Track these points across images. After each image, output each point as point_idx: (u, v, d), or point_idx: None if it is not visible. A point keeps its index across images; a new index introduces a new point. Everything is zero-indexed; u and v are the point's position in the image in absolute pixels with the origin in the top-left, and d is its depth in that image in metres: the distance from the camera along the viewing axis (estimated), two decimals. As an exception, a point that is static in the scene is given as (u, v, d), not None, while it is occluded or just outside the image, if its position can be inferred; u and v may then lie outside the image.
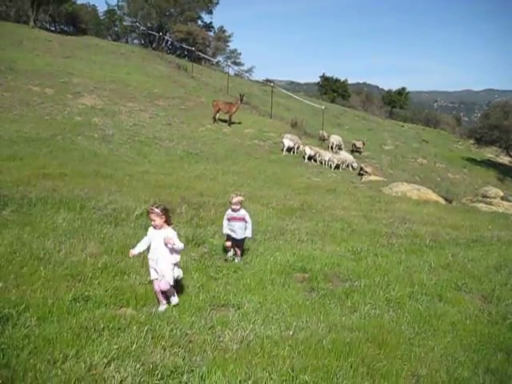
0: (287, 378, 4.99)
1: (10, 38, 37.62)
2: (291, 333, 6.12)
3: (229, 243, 8.99)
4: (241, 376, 4.84)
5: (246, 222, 8.93)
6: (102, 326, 5.67)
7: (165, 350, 5.26)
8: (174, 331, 5.79)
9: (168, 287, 6.54)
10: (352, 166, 27.29)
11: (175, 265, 6.69)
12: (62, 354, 4.90)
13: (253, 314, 6.63)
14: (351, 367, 5.38)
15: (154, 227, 6.55)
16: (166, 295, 6.66)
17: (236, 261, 8.92)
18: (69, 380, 4.41)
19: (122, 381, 4.56)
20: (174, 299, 6.71)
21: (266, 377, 4.92)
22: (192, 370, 4.92)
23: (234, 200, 8.79)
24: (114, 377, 4.60)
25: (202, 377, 4.78)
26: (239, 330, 6.07)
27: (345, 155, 27.69)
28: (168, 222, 6.61)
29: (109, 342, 5.26)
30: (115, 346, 5.12)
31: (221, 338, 5.80)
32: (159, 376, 4.74)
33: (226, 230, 8.98)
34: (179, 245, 6.56)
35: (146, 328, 5.72)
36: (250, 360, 5.25)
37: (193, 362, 5.09)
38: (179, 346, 5.42)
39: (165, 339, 5.54)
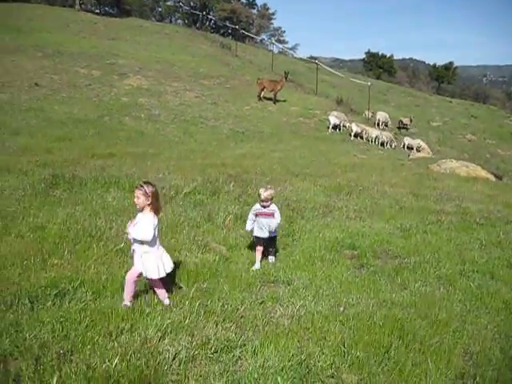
0: (339, 352, 4.99)
1: (57, 21, 38.18)
2: (342, 309, 6.11)
3: (260, 249, 7.73)
4: (293, 350, 4.86)
5: (274, 218, 7.74)
6: (155, 301, 5.78)
7: (217, 325, 5.31)
8: (226, 306, 5.85)
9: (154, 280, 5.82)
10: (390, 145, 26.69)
11: (154, 255, 5.75)
12: (118, 328, 5.01)
13: (303, 290, 6.65)
14: (403, 343, 5.34)
15: (136, 205, 5.76)
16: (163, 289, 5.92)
17: (270, 261, 7.85)
18: (125, 352, 4.51)
19: (176, 354, 4.64)
20: (166, 300, 5.87)
21: (317, 351, 4.93)
22: (244, 345, 4.96)
23: (265, 194, 7.66)
24: (168, 350, 4.68)
25: (254, 351, 4.82)
26: (290, 305, 6.09)
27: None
28: (154, 208, 5.70)
29: (162, 316, 5.35)
30: (168, 321, 5.20)
31: (272, 314, 5.84)
32: (212, 350, 4.79)
33: (250, 227, 7.88)
34: (135, 234, 5.69)
35: (198, 303, 5.79)
36: (302, 335, 5.27)
37: (245, 337, 5.14)
38: (231, 321, 5.47)
39: (216, 314, 5.60)
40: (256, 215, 7.74)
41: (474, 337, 5.74)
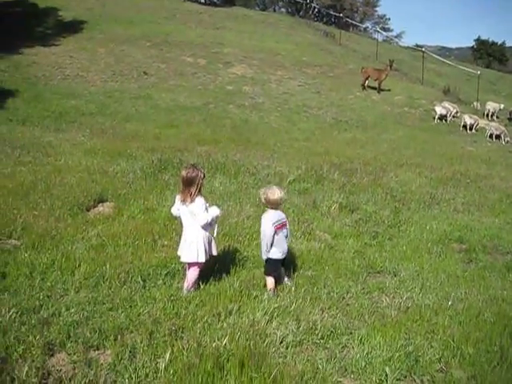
0: (448, 347, 4.86)
1: (164, 12, 39.20)
2: (450, 303, 5.95)
3: (273, 281, 5.85)
4: (400, 341, 4.78)
5: (287, 227, 6.08)
6: (261, 284, 5.86)
7: (323, 312, 5.33)
8: (331, 294, 5.87)
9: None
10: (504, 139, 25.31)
11: None
12: (226, 309, 5.13)
13: (409, 282, 6.55)
14: (516, 342, 5.13)
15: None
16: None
17: (289, 283, 6.07)
18: (233, 333, 4.60)
19: (283, 337, 4.69)
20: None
21: (426, 344, 4.83)
22: (351, 333, 4.95)
23: (276, 196, 5.81)
24: (275, 333, 4.74)
25: (361, 339, 4.79)
26: (396, 296, 6.02)
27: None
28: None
29: (269, 300, 5.42)
30: (275, 305, 5.27)
31: (378, 304, 5.79)
32: (319, 336, 4.81)
33: (267, 253, 5.88)
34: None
35: (304, 289, 5.83)
36: (409, 327, 5.18)
37: (351, 325, 5.12)
38: (337, 309, 5.46)
39: (322, 301, 5.61)
40: (277, 229, 5.83)
41: None
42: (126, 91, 21.07)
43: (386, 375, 4.30)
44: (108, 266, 5.97)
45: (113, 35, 29.21)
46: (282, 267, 6.08)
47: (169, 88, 22.68)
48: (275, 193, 5.80)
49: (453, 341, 4.98)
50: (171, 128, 16.76)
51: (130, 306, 5.11)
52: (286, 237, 6.01)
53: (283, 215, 6.01)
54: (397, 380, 4.31)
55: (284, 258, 6.01)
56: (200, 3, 51.68)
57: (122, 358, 4.23)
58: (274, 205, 5.86)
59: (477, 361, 4.68)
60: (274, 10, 66.59)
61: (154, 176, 10.38)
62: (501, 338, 5.13)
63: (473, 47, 76.28)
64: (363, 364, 4.41)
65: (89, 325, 4.69)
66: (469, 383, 4.38)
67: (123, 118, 17.38)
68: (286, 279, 6.09)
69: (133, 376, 4.02)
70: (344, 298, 5.83)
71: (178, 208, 5.74)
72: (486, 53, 71.89)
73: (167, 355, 4.21)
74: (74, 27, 29.05)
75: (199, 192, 5.61)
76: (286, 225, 5.99)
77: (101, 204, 8.43)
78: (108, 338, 4.50)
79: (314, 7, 60.98)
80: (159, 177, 10.42)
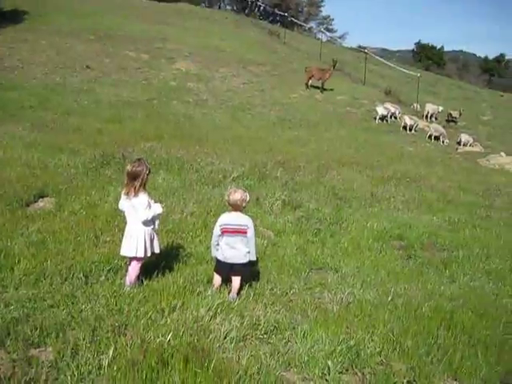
0: (388, 340, 5.01)
1: (109, 5, 38.60)
2: (390, 298, 6.12)
3: (218, 278, 5.81)
4: (342, 336, 4.88)
5: (247, 236, 5.71)
6: (205, 281, 5.87)
7: (266, 307, 5.38)
8: (274, 290, 5.93)
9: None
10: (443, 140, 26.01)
11: None
12: (170, 305, 5.11)
13: (351, 278, 6.69)
14: (452, 335, 5.32)
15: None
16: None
17: (230, 299, 5.53)
18: (177, 329, 4.60)
19: (227, 333, 4.71)
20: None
21: (367, 338, 4.95)
22: (294, 328, 5.02)
23: (235, 197, 5.66)
24: (219, 329, 4.75)
25: (304, 334, 4.86)
26: (338, 292, 6.13)
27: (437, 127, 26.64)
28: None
29: (212, 296, 5.43)
30: (218, 301, 5.28)
31: (320, 299, 5.89)
32: (263, 331, 4.86)
33: (216, 252, 5.82)
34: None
35: (247, 286, 5.87)
36: (351, 321, 5.30)
37: (294, 320, 5.20)
38: (280, 304, 5.53)
39: (266, 297, 5.68)
40: (223, 232, 5.68)
41: (525, 333, 5.67)
42: (68, 85, 20.60)
43: (329, 368, 4.38)
44: (49, 262, 5.85)
45: (55, 27, 28.53)
46: (236, 277, 5.70)
47: (112, 82, 22.33)
48: (234, 193, 5.67)
49: (392, 334, 5.12)
50: (114, 123, 16.50)
51: (72, 303, 5.01)
52: (241, 246, 5.66)
53: (242, 221, 5.67)
54: (339, 373, 4.40)
55: (235, 266, 5.67)
56: (145, -2, 51.08)
57: (63, 355, 4.15)
58: (233, 206, 5.69)
59: (415, 353, 4.85)
60: (220, 8, 66.47)
61: (96, 171, 10.22)
62: (437, 331, 5.32)
63: (413, 50, 78.22)
64: (306, 358, 4.48)
65: (29, 322, 4.57)
66: (408, 375, 4.51)
67: (65, 111, 16.97)
68: (230, 295, 5.62)
69: (75, 373, 3.96)
70: (287, 293, 5.90)
71: (122, 201, 5.68)
72: (425, 56, 73.80)
73: (110, 352, 4.17)
74: (14, 17, 28.24)
75: (143, 187, 5.57)
76: (242, 232, 5.65)
77: (41, 199, 8.23)
78: (49, 336, 4.40)
79: (260, 5, 61.23)
80: (101, 172, 10.26)
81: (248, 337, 4.76)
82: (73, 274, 5.67)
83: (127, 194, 5.56)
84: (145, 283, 5.61)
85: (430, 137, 24.92)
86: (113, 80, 22.70)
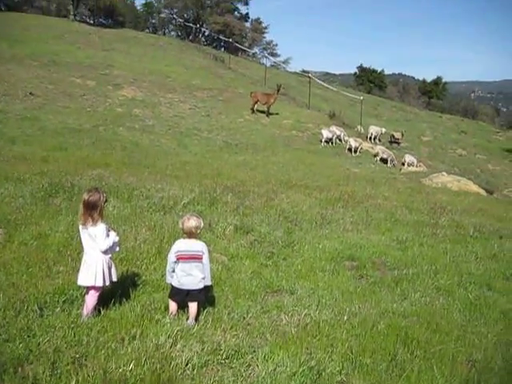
0: (347, 359, 5.11)
1: (52, 31, 38.30)
2: (346, 317, 6.23)
3: (174, 305, 5.80)
4: (303, 357, 4.95)
5: (203, 262, 5.77)
6: (162, 308, 5.85)
7: (225, 332, 5.40)
8: (232, 314, 5.96)
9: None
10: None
11: None
12: (129, 334, 5.09)
13: (306, 300, 6.77)
14: (408, 351, 5.46)
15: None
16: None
17: (189, 324, 5.54)
18: (139, 357, 4.58)
19: (189, 360, 4.71)
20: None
21: (326, 358, 5.04)
22: (254, 351, 5.06)
23: (190, 225, 5.71)
24: (180, 356, 4.75)
25: (265, 357, 4.91)
26: (295, 314, 6.20)
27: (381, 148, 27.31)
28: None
29: (171, 323, 5.42)
30: (178, 328, 5.28)
31: (278, 322, 5.95)
32: (224, 356, 4.88)
33: (171, 279, 5.83)
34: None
35: (205, 311, 5.89)
36: (310, 342, 5.37)
37: (254, 344, 5.24)
38: (238, 329, 5.56)
39: (224, 322, 5.69)
40: (178, 259, 5.72)
41: (475, 345, 5.89)
42: (11, 112, 20.28)
43: (292, 390, 4.44)
44: (1, 295, 5.72)
45: (-4, 54, 28.12)
46: (192, 303, 5.70)
47: (57, 110, 22.10)
48: (188, 221, 5.71)
49: (351, 353, 5.23)
50: (60, 151, 16.30)
51: (29, 336, 4.91)
52: (197, 272, 5.71)
53: (197, 247, 5.73)
54: (302, 394, 4.47)
55: (192, 292, 5.69)
56: (89, 24, 50.87)
57: (23, 391, 4.08)
58: (187, 233, 5.74)
59: (375, 370, 4.96)
60: (164, 34, 66.75)
61: (45, 201, 10.05)
62: (394, 348, 5.45)
63: (355, 74, 79.95)
64: (269, 381, 4.53)
65: (-16, 358, 4.47)
66: (368, 392, 4.61)
67: (9, 139, 16.69)
68: (188, 321, 5.61)
69: (37, 409, 3.90)
70: (245, 317, 5.94)
71: (80, 230, 5.64)
72: (367, 79, 75.53)
73: (72, 384, 4.13)
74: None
75: (101, 216, 5.54)
76: (197, 258, 5.71)
77: (-11, 231, 8.06)
78: (7, 371, 4.30)
79: (204, 31, 61.73)
80: (50, 201, 10.10)
81: (210, 362, 4.78)
82: (27, 307, 5.55)
83: (84, 224, 5.52)
84: (102, 313, 5.56)
85: (380, 159, 25.53)
86: (58, 107, 22.48)
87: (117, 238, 5.73)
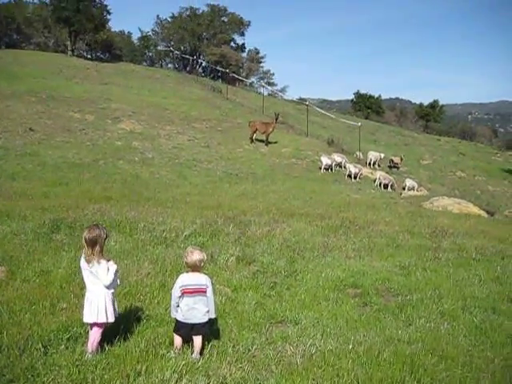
0: (353, 389, 5.07)
1: (50, 67, 38.68)
2: (351, 346, 6.19)
3: (179, 339, 5.78)
4: (309, 388, 4.93)
5: (207, 295, 5.77)
6: (167, 343, 5.83)
7: (230, 365, 5.37)
8: (237, 347, 5.92)
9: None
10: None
11: None
12: (134, 370, 5.06)
13: (311, 329, 6.73)
14: (415, 378, 5.43)
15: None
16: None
17: (194, 358, 5.53)
18: (145, 394, 4.57)
19: (195, 394, 4.70)
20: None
21: (333, 389, 5.01)
22: (260, 384, 5.04)
23: (193, 258, 5.72)
24: (187, 391, 4.74)
25: (271, 390, 4.89)
26: (300, 344, 6.17)
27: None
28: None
29: (176, 358, 5.40)
30: (183, 362, 5.26)
31: (283, 353, 5.90)
32: (230, 389, 4.86)
33: (175, 313, 5.82)
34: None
35: (210, 345, 5.86)
36: (316, 372, 5.34)
37: (260, 376, 5.21)
38: (244, 361, 5.53)
39: (229, 355, 5.67)
40: (183, 293, 5.69)
41: (482, 370, 5.84)
42: (10, 148, 20.40)
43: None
44: (5, 334, 5.71)
45: (-5, 91, 28.37)
46: (197, 336, 5.69)
47: (56, 145, 22.22)
48: (191, 254, 5.71)
49: (358, 382, 5.20)
50: (60, 186, 16.39)
51: (33, 376, 4.90)
52: (202, 305, 5.70)
53: (201, 281, 5.73)
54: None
55: (196, 325, 5.68)
56: (87, 58, 51.47)
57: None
58: (191, 267, 5.74)
59: (382, 400, 4.92)
60: (161, 66, 67.47)
61: (47, 236, 10.07)
62: (401, 376, 5.42)
63: (352, 100, 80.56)
64: (278, 414, 4.50)
65: (-12, 399, 4.46)
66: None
67: (9, 176, 16.80)
68: (193, 355, 5.59)
69: None
70: (250, 349, 5.91)
71: (82, 268, 5.64)
72: (364, 105, 76.07)
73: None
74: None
75: (101, 251, 5.56)
76: (202, 292, 5.70)
77: (-9, 268, 8.06)
78: (12, 412, 4.30)
79: (201, 63, 62.37)
80: (53, 237, 10.12)
81: (216, 397, 4.76)
82: (31, 345, 5.53)
83: (88, 262, 5.53)
84: (106, 349, 5.54)
85: (380, 185, 25.57)
86: (57, 142, 22.61)
87: (115, 266, 5.70)
